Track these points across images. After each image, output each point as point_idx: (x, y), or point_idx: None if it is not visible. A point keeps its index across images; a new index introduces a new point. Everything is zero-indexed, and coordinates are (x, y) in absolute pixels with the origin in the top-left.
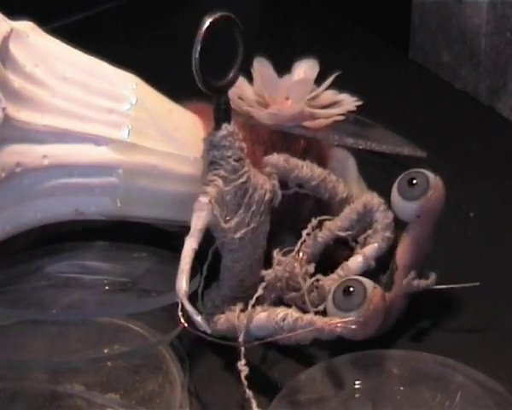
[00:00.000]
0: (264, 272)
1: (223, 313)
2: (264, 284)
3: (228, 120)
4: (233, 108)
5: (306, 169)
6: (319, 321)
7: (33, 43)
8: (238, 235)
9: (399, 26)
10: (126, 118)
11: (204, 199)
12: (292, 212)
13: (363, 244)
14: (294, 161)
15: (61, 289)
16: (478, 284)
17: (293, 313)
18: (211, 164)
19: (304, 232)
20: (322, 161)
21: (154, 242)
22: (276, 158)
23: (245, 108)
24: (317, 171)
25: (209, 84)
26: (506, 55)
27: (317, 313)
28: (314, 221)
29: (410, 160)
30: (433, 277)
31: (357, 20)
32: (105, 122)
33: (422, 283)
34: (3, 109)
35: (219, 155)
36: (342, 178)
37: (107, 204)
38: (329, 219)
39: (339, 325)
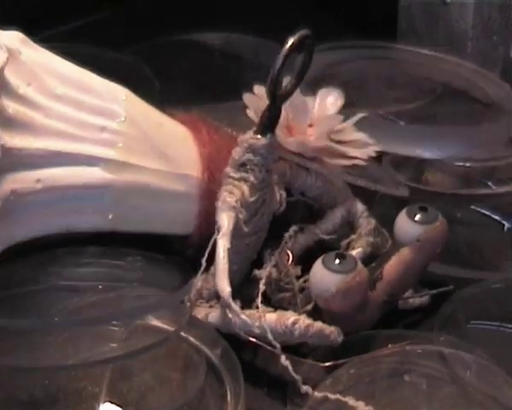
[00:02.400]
0: (257, 272)
1: (211, 307)
2: (263, 281)
3: (273, 129)
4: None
5: (311, 178)
6: (327, 329)
7: (25, 61)
8: (247, 241)
9: (386, 30)
10: (118, 135)
11: (231, 200)
12: (283, 219)
13: (346, 249)
14: (299, 170)
15: (55, 295)
16: (451, 287)
17: (305, 320)
18: (242, 165)
19: (286, 234)
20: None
21: (147, 246)
22: (282, 166)
23: None
24: (320, 180)
25: (275, 94)
26: (492, 59)
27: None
28: (294, 227)
29: None
30: (426, 297)
31: (343, 23)
32: (97, 141)
33: (417, 300)
34: (2, 146)
35: (254, 161)
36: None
37: (98, 222)
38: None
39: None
